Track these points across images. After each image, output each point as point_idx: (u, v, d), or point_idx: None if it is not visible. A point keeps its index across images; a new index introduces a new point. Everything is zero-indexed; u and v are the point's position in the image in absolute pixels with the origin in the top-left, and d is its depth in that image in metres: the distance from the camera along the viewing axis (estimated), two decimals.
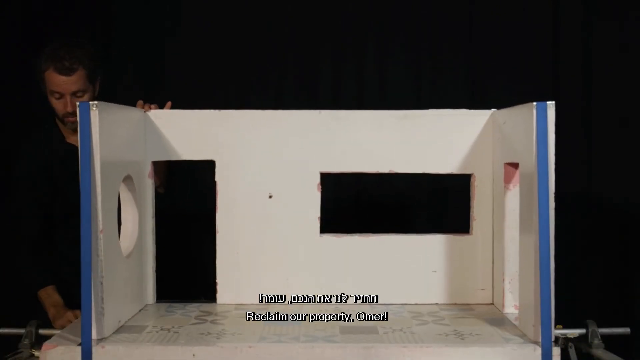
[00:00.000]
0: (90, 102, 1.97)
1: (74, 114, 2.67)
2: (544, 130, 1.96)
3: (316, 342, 1.97)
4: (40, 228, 2.79)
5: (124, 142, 2.22)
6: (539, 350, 1.91)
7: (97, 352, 1.92)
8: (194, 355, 1.93)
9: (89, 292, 1.93)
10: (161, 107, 2.54)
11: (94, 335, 1.97)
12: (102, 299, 1.99)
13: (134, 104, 2.36)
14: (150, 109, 2.48)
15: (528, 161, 2.02)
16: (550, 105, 1.96)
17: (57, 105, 2.73)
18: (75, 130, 2.70)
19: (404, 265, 2.47)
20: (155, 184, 2.51)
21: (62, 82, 2.67)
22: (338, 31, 3.59)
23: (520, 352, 1.93)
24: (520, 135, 2.09)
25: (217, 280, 2.46)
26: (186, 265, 3.51)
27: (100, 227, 1.99)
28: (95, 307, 1.97)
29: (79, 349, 1.91)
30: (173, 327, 2.15)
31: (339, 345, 1.95)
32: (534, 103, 1.96)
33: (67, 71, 2.66)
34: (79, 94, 2.71)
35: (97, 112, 1.97)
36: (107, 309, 2.02)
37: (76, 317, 2.53)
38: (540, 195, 1.93)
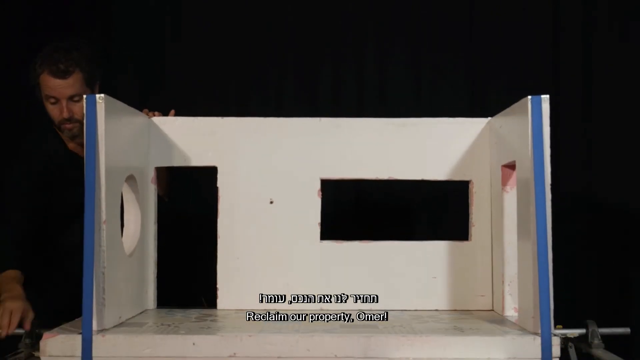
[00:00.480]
0: (97, 95, 2.01)
1: (70, 120, 2.57)
2: (539, 124, 1.99)
3: (316, 333, 1.98)
4: (28, 241, 2.58)
5: (128, 140, 2.26)
6: (538, 340, 1.91)
7: (97, 340, 1.92)
8: (194, 344, 1.93)
9: (90, 282, 1.94)
10: (165, 114, 2.56)
11: (95, 327, 1.97)
12: (104, 289, 2.00)
13: (134, 105, 2.38)
14: (154, 115, 2.52)
15: (524, 157, 2.05)
16: (545, 98, 2.00)
17: (53, 111, 2.59)
18: (72, 138, 2.63)
19: (404, 272, 2.48)
20: (159, 192, 2.54)
21: (57, 86, 2.53)
22: (338, 31, 3.63)
23: (520, 341, 1.93)
24: (517, 132, 2.13)
25: (217, 286, 2.47)
26: (187, 270, 3.50)
27: (104, 217, 2.01)
28: (96, 298, 1.98)
29: (80, 337, 1.91)
30: (173, 323, 2.15)
31: (338, 335, 1.96)
32: (529, 97, 2.01)
33: (62, 74, 2.52)
34: (75, 99, 2.56)
35: (103, 104, 2.01)
36: (108, 302, 2.03)
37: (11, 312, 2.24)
38: (537, 189, 1.95)
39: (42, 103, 2.63)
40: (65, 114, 2.57)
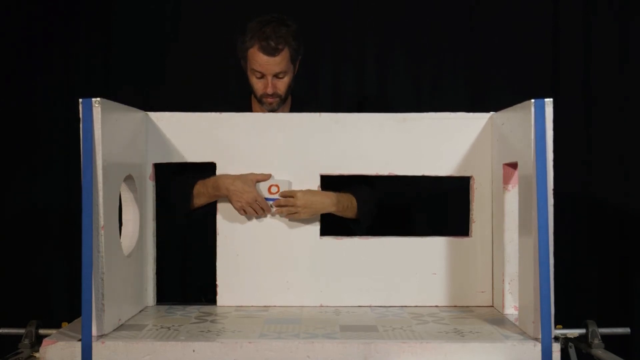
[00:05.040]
0: (93, 99, 1.99)
1: (273, 95, 2.67)
2: (542, 127, 1.97)
3: (316, 339, 1.97)
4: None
5: (126, 141, 2.23)
6: (538, 346, 1.91)
7: (97, 347, 1.92)
8: (194, 351, 1.93)
9: (89, 288, 1.93)
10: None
11: (94, 332, 1.97)
12: (103, 295, 2.00)
13: (134, 104, 2.36)
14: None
15: (527, 159, 2.03)
16: (548, 102, 1.98)
17: (257, 84, 2.68)
18: (271, 111, 2.69)
19: (404, 268, 2.47)
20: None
21: (264, 62, 2.62)
22: (338, 28, 3.58)
23: (520, 347, 1.93)
24: (519, 133, 2.11)
25: (217, 283, 2.47)
26: (186, 267, 3.51)
27: (102, 223, 1.99)
28: (95, 304, 1.98)
29: (79, 344, 1.90)
30: (173, 325, 2.15)
31: (338, 341, 1.95)
32: (532, 100, 1.98)
33: (272, 51, 2.60)
34: (280, 76, 2.66)
35: (99, 108, 1.99)
36: (108, 306, 2.02)
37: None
38: (539, 192, 1.94)
39: (245, 74, 2.73)
40: (270, 90, 2.67)
